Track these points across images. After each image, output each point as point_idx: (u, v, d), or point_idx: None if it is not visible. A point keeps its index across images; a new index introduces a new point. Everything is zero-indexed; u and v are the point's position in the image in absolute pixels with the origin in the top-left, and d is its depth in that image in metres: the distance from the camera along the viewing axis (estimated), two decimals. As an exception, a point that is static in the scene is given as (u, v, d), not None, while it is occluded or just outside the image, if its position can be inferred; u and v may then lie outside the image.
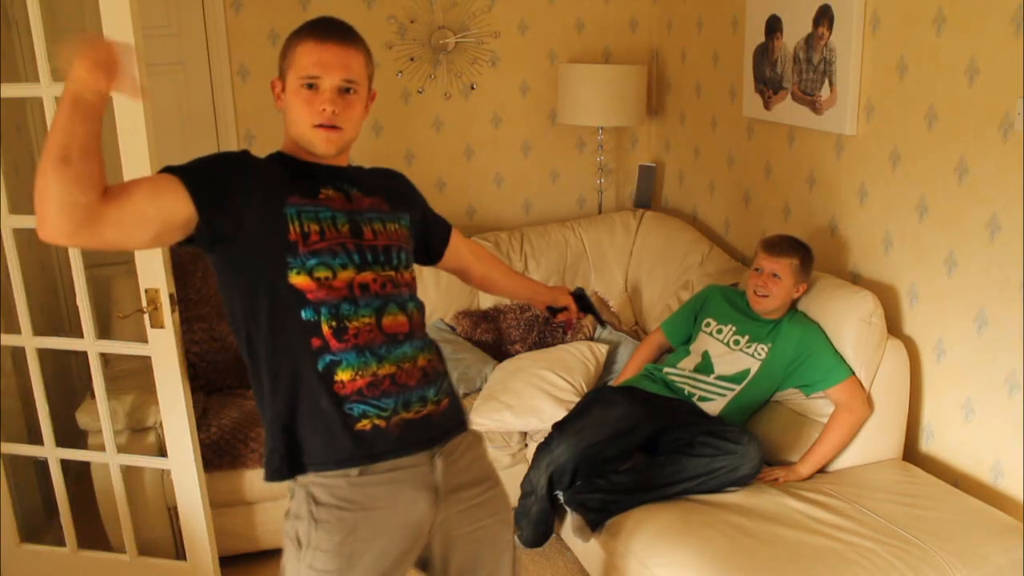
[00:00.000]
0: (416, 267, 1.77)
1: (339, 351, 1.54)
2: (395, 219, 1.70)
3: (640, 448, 2.56)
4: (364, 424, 1.54)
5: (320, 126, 1.58)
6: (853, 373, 2.54)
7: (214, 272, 1.63)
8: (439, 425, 1.64)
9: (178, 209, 1.46)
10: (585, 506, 2.40)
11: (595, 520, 2.40)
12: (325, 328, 1.53)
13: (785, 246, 2.63)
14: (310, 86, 1.58)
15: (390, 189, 1.76)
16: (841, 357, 2.56)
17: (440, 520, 1.63)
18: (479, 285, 2.09)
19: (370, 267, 1.59)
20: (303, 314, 1.53)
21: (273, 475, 1.59)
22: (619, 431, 2.51)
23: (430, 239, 1.90)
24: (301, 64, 1.58)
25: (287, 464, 1.57)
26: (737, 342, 2.68)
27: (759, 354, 2.63)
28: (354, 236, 1.60)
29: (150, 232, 1.45)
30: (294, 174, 1.61)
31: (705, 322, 2.77)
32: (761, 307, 2.64)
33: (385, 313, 1.59)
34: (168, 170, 1.50)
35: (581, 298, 2.14)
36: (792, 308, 2.70)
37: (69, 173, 1.30)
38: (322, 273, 1.54)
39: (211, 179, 1.51)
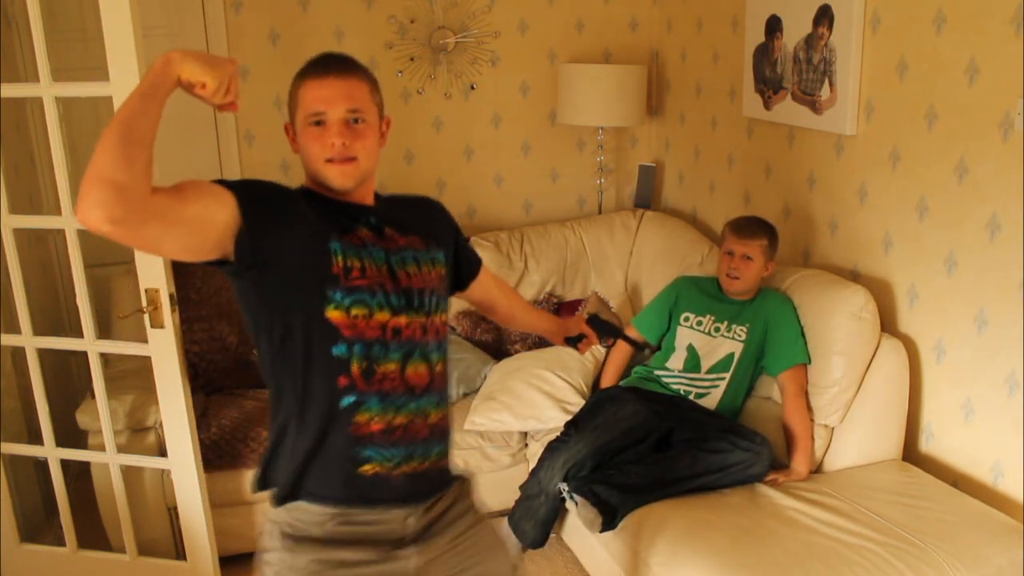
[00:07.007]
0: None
1: (365, 393, 1.52)
2: (430, 259, 1.67)
3: (654, 450, 2.57)
4: (367, 468, 1.53)
5: (331, 160, 1.56)
6: (810, 362, 2.62)
7: (239, 302, 1.59)
8: (432, 480, 1.62)
9: (222, 217, 1.43)
10: (599, 497, 2.39)
11: (608, 522, 2.38)
12: (355, 368, 1.51)
13: (754, 228, 2.71)
14: (317, 123, 1.56)
15: (425, 225, 1.72)
16: (804, 343, 2.62)
17: (422, 564, 1.59)
18: (503, 320, 2.06)
19: (404, 311, 1.57)
20: (334, 350, 1.51)
21: (273, 501, 1.59)
22: (632, 427, 2.54)
23: (458, 272, 1.85)
24: (305, 103, 1.57)
25: (283, 493, 1.56)
26: (718, 329, 2.74)
27: (739, 336, 2.70)
28: (391, 278, 1.58)
29: (187, 236, 1.41)
30: (328, 212, 1.59)
31: (683, 316, 2.82)
32: (734, 288, 2.73)
33: (410, 362, 1.57)
34: (220, 183, 1.48)
35: (598, 322, 2.08)
36: (762, 288, 2.77)
37: (130, 152, 1.28)
38: (359, 311, 1.52)
39: (261, 198, 1.50)
